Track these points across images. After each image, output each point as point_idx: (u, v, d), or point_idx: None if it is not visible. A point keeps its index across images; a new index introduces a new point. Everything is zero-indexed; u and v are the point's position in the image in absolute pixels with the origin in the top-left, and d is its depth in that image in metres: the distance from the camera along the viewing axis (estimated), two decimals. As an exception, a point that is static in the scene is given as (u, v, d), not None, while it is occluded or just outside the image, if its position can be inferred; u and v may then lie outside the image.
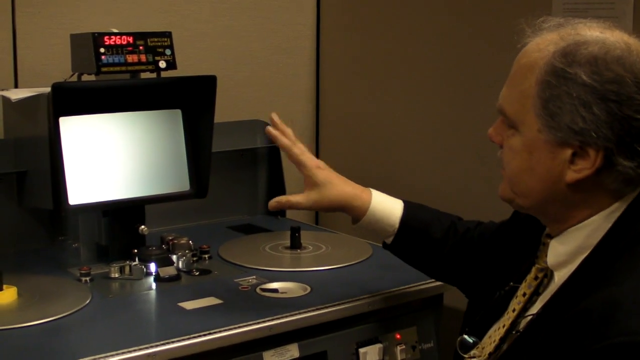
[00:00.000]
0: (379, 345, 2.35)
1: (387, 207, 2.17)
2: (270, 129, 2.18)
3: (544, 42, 1.61)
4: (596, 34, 1.58)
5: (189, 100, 2.72)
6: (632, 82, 1.52)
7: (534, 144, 1.62)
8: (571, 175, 1.59)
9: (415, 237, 2.17)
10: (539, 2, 2.57)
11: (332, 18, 3.48)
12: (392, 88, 3.21)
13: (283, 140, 2.17)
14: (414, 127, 3.13)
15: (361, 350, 2.32)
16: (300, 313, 2.22)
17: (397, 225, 2.16)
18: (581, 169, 1.57)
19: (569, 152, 1.57)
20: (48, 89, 2.40)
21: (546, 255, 1.71)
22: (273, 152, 3.29)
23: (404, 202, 2.20)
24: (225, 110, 3.01)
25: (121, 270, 2.50)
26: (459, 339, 1.87)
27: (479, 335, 1.84)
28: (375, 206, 2.16)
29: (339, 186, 2.17)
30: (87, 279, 2.46)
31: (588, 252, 1.62)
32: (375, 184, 3.29)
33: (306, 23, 3.50)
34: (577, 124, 1.54)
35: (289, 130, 2.19)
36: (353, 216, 2.19)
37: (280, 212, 3.27)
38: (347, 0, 3.41)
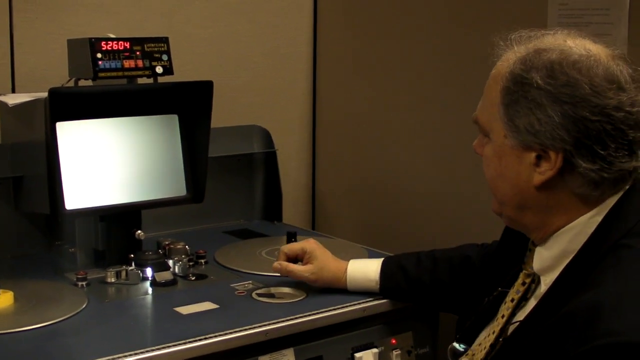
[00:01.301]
0: (374, 350, 2.36)
1: (363, 273, 2.39)
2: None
3: (511, 53, 1.69)
4: (558, 42, 1.66)
5: (186, 105, 2.73)
6: (587, 85, 1.57)
7: (502, 149, 1.68)
8: (537, 177, 1.64)
9: (396, 281, 2.34)
10: (535, 7, 2.59)
11: (329, 22, 3.48)
12: (389, 91, 3.22)
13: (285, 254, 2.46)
14: (411, 130, 3.13)
15: (357, 355, 2.33)
16: (296, 318, 2.22)
17: (377, 277, 2.35)
18: (544, 171, 1.63)
19: (533, 155, 1.63)
20: (45, 94, 2.40)
21: (532, 261, 1.74)
22: (270, 158, 3.29)
23: (385, 258, 2.41)
24: (222, 115, 3.01)
25: (117, 275, 2.50)
26: (449, 347, 1.89)
27: (470, 341, 1.86)
28: (352, 273, 2.38)
29: (326, 270, 2.40)
30: (84, 283, 2.46)
31: (572, 256, 1.65)
32: (372, 187, 3.32)
33: (303, 28, 3.51)
34: (533, 126, 1.61)
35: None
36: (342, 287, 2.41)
37: (277, 217, 3.28)
38: (343, 5, 3.42)
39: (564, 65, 1.59)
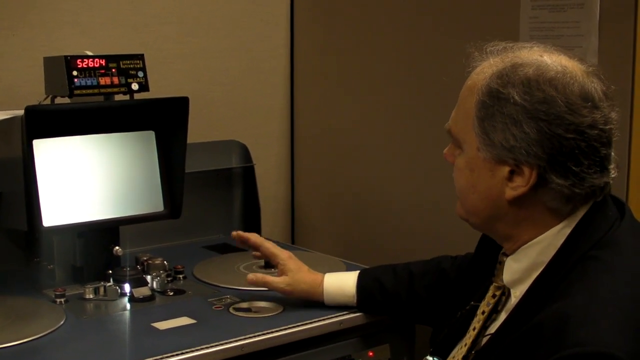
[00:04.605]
0: (351, 363, 2.38)
1: (339, 286, 2.38)
2: (238, 233, 2.47)
3: (487, 65, 1.70)
4: (535, 57, 1.66)
5: (162, 121, 2.74)
6: (563, 102, 1.58)
7: (474, 162, 1.69)
8: (509, 192, 1.66)
9: (373, 295, 2.34)
10: (506, 20, 2.61)
11: (306, 36, 3.50)
12: (366, 105, 3.23)
13: (255, 238, 2.47)
14: (389, 143, 3.14)
15: (334, 368, 2.34)
16: (272, 332, 2.23)
17: (354, 292, 2.35)
18: (517, 186, 1.64)
19: (506, 169, 1.64)
20: (22, 112, 2.41)
21: (502, 274, 1.75)
22: (248, 172, 3.31)
23: (361, 271, 2.40)
24: (200, 131, 3.03)
25: (96, 291, 2.51)
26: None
27: (444, 355, 1.87)
28: (328, 288, 2.37)
29: (300, 281, 2.39)
30: (62, 300, 2.46)
31: (541, 268, 1.66)
32: (351, 201, 3.33)
33: (280, 42, 3.52)
34: (508, 141, 1.61)
35: (254, 234, 2.48)
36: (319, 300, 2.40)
37: (256, 231, 3.27)
38: (320, 19, 3.43)
39: (540, 82, 1.60)
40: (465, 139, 1.71)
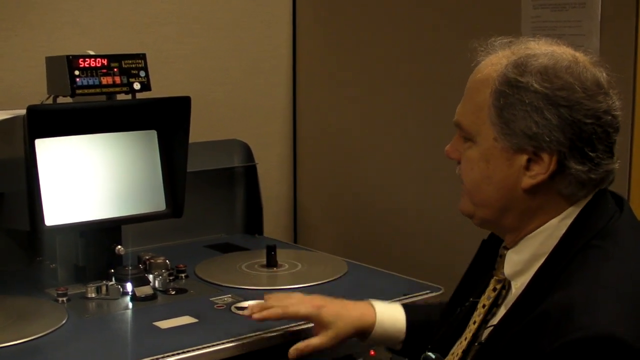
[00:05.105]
0: (353, 362, 2.37)
1: (391, 315, 2.19)
2: (256, 316, 2.18)
3: (497, 58, 1.71)
4: (545, 47, 1.69)
5: (164, 121, 2.74)
6: (580, 89, 1.61)
7: (490, 152, 1.69)
8: (527, 181, 1.66)
9: (423, 333, 2.15)
10: (508, 20, 2.61)
11: (308, 36, 3.50)
12: (369, 105, 3.23)
13: (275, 313, 2.18)
14: (391, 143, 3.15)
15: (336, 367, 2.34)
16: (274, 331, 2.24)
17: (404, 329, 2.17)
18: (536, 174, 1.65)
19: (524, 158, 1.65)
20: (24, 111, 2.41)
21: (503, 267, 1.76)
22: (250, 171, 3.31)
23: (403, 305, 2.22)
24: (202, 130, 3.03)
25: (98, 290, 2.51)
26: (422, 356, 1.90)
27: (443, 351, 1.87)
28: (382, 319, 2.18)
29: (347, 317, 2.17)
30: (64, 299, 2.47)
31: (543, 259, 1.67)
32: (352, 200, 3.33)
33: (281, 42, 3.52)
34: (530, 129, 1.63)
35: (269, 304, 2.22)
36: (364, 335, 2.19)
37: (258, 230, 3.29)
38: (322, 20, 3.43)
39: (557, 70, 1.62)
40: (480, 131, 1.71)
